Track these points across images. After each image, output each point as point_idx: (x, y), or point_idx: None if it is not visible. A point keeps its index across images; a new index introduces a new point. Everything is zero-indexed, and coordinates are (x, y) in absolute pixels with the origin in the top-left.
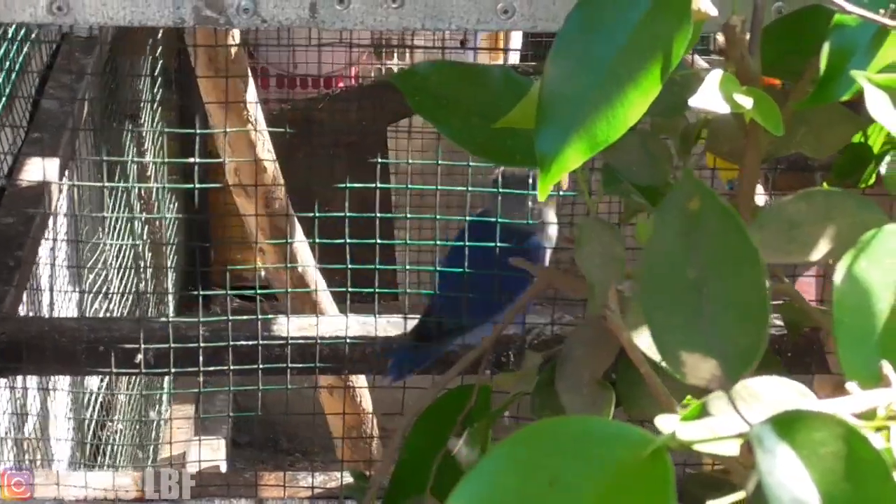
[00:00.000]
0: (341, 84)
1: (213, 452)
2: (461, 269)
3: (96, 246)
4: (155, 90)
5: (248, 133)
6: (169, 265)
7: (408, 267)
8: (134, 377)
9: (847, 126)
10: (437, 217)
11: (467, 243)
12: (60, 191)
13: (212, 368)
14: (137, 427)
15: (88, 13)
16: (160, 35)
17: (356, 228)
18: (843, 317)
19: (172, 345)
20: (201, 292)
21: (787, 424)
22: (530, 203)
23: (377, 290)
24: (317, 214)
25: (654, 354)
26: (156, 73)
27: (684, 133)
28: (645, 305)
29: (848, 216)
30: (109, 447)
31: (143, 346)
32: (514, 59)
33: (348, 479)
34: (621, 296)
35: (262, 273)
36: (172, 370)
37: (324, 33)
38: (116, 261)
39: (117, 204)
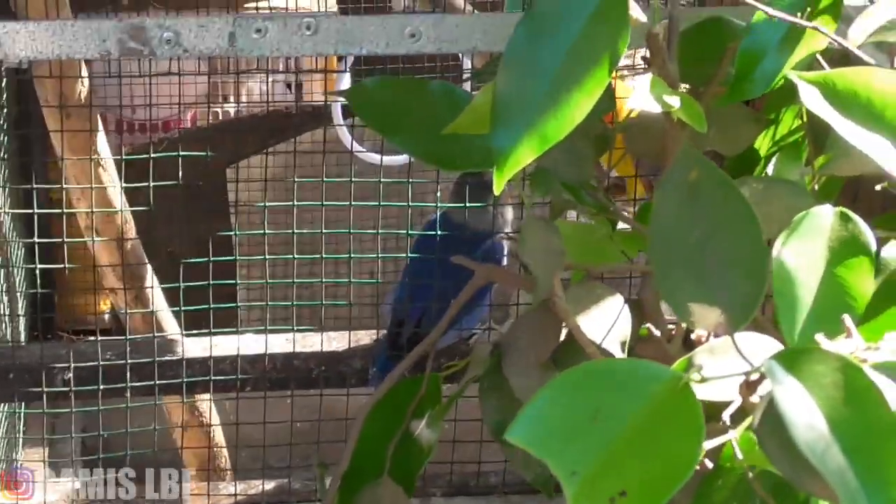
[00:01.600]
0: (180, 127)
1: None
2: (419, 277)
3: None
4: (1, 137)
5: (100, 175)
6: (20, 295)
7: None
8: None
9: (752, 125)
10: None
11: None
12: None
13: (139, 384)
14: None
15: (19, 48)
16: (3, 83)
17: (197, 269)
18: (781, 288)
19: (101, 363)
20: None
21: (791, 360)
22: (490, 208)
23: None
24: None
25: (597, 337)
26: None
27: (600, 136)
28: (654, 266)
29: (782, 200)
30: None
31: (72, 364)
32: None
33: (269, 485)
34: (562, 285)
35: (107, 317)
36: (101, 387)
37: (158, 78)
38: None
39: None
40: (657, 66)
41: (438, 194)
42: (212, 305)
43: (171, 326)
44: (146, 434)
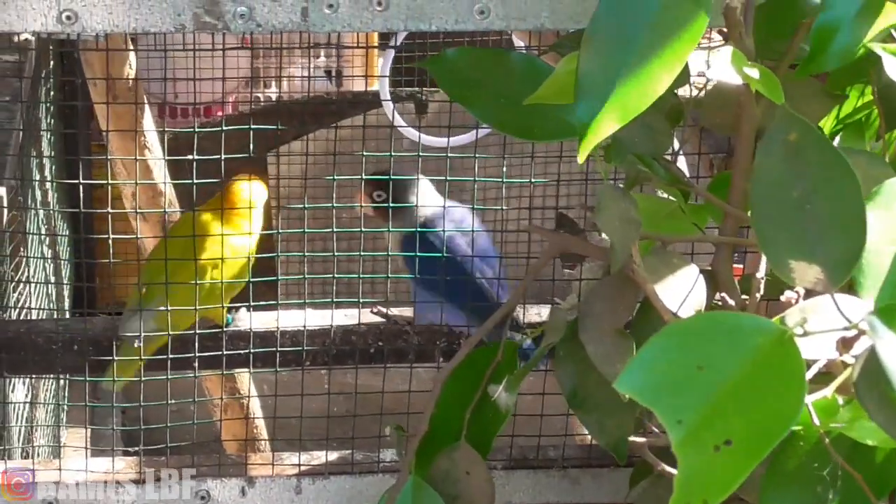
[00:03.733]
0: (220, 113)
1: None
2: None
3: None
4: (48, 120)
5: (146, 159)
6: (64, 281)
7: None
8: (48, 393)
9: (825, 100)
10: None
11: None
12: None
13: (205, 354)
14: (50, 446)
15: (95, 21)
16: (51, 66)
17: None
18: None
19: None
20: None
21: (890, 314)
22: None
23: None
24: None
25: (673, 305)
26: (48, 103)
27: (673, 109)
28: (756, 224)
29: (860, 170)
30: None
31: (142, 334)
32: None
33: (332, 456)
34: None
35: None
36: (170, 356)
37: (201, 62)
38: (34, 275)
39: (31, 224)
40: (734, 40)
41: (504, 169)
42: (279, 277)
43: None
44: (185, 412)
